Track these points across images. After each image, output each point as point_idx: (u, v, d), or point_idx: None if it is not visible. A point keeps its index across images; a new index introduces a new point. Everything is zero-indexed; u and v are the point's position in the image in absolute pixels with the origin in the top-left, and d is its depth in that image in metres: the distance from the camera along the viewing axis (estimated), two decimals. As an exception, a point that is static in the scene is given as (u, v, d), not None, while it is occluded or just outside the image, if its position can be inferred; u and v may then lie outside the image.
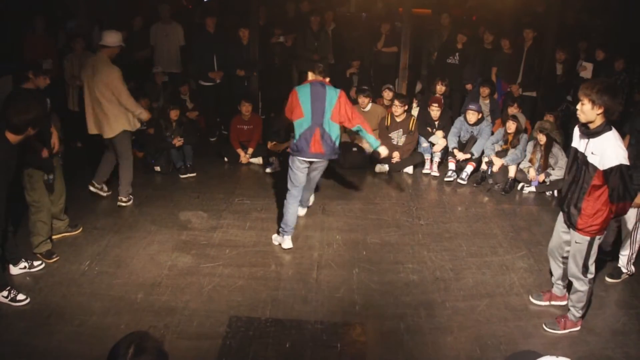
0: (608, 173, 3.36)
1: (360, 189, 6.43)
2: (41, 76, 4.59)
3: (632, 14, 8.11)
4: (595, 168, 3.42)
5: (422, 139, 7.10)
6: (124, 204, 5.69)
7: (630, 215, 4.42)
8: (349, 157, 6.96)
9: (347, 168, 6.92)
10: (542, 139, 6.20)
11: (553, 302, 4.17)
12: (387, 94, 7.48)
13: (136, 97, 7.18)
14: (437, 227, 5.45)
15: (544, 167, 6.29)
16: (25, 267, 4.44)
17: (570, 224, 3.69)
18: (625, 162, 3.34)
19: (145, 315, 3.96)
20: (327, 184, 6.52)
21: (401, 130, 6.95)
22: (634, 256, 4.57)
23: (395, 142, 6.97)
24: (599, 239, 3.64)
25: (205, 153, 7.21)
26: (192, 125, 7.26)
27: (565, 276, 4.03)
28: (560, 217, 3.87)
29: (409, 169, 6.95)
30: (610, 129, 3.40)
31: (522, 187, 6.48)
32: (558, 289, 4.16)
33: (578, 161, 3.58)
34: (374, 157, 7.04)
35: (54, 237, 4.86)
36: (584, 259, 3.66)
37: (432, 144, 7.02)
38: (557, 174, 6.23)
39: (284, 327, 3.86)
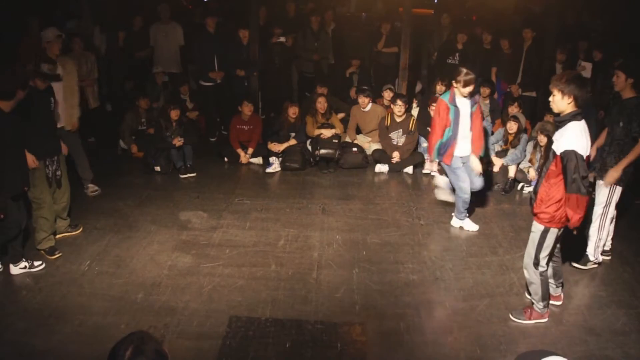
0: (563, 158, 3.46)
1: (360, 189, 6.43)
2: (37, 79, 4.62)
3: (632, 14, 8.12)
4: (554, 153, 3.54)
5: (422, 139, 7.10)
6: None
7: (599, 200, 4.53)
8: (349, 157, 6.96)
9: (347, 168, 6.92)
10: (542, 140, 6.20)
11: (551, 302, 4.14)
12: (388, 94, 7.49)
13: (136, 97, 7.24)
14: (437, 227, 5.45)
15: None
16: (25, 267, 4.45)
17: (531, 210, 3.79)
18: (580, 151, 3.42)
19: (145, 315, 3.96)
20: (327, 184, 6.53)
21: (401, 130, 6.95)
22: (601, 243, 4.59)
23: (395, 142, 6.98)
24: (555, 232, 3.67)
25: (205, 153, 7.21)
26: (192, 125, 7.26)
27: (557, 274, 4.06)
28: None
29: (409, 169, 6.95)
30: (579, 120, 3.52)
31: (522, 187, 6.48)
32: (552, 288, 4.14)
33: (548, 153, 3.70)
34: (374, 157, 7.06)
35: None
36: (536, 249, 3.74)
37: (432, 144, 7.01)
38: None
39: (284, 327, 3.86)
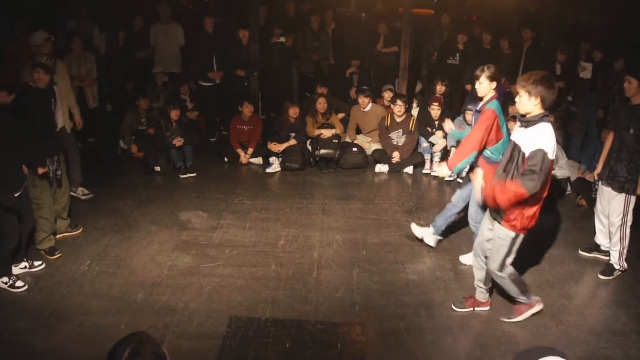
0: (530, 158, 3.32)
1: (360, 189, 6.43)
2: (33, 72, 4.49)
3: (632, 14, 8.12)
4: (523, 155, 3.40)
5: (422, 139, 7.10)
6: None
7: (615, 209, 4.46)
8: (349, 157, 6.96)
9: (347, 168, 6.92)
10: None
11: (477, 309, 4.09)
12: (388, 95, 7.49)
13: (136, 97, 7.24)
14: (437, 227, 5.45)
15: None
16: (25, 267, 4.45)
17: (498, 216, 3.64)
18: (549, 152, 3.28)
19: (145, 315, 3.96)
20: (327, 184, 6.53)
21: (401, 130, 6.95)
22: (624, 251, 4.56)
23: (395, 142, 6.98)
24: (521, 237, 3.62)
25: (205, 153, 7.20)
26: (192, 125, 7.26)
27: (488, 279, 3.99)
28: (487, 213, 3.83)
29: (409, 169, 6.95)
30: (547, 122, 3.40)
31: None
32: (481, 293, 4.07)
33: (513, 153, 3.52)
34: (374, 157, 7.06)
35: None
36: (504, 255, 3.65)
37: (432, 144, 7.02)
38: (557, 173, 6.23)
39: (284, 327, 3.86)
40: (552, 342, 3.76)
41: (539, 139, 3.33)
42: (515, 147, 3.48)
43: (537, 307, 3.95)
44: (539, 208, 3.54)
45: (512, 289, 3.85)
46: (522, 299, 3.90)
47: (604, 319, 4.09)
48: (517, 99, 3.48)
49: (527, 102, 3.39)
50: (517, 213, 3.50)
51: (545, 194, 3.49)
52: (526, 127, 3.45)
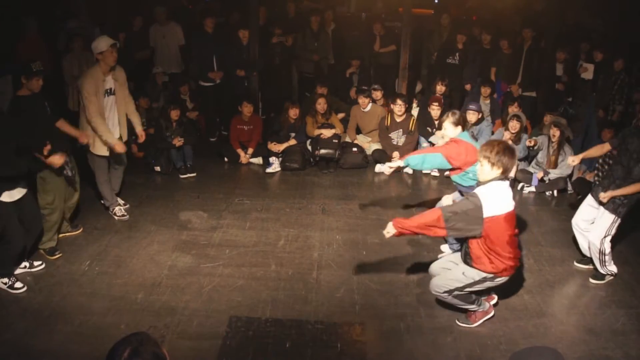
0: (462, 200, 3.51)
1: (360, 189, 6.43)
2: (33, 79, 4.35)
3: (632, 14, 8.12)
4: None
5: (422, 139, 7.10)
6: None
7: (600, 225, 4.37)
8: (349, 157, 6.96)
9: (347, 168, 6.92)
10: (555, 133, 6.19)
11: (483, 319, 4.02)
12: (376, 94, 7.44)
13: (136, 97, 7.22)
14: (437, 227, 5.44)
15: (554, 164, 6.28)
16: (25, 267, 4.45)
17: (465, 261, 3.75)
18: (485, 211, 3.42)
19: (145, 315, 3.97)
20: (327, 184, 6.53)
21: (401, 130, 6.95)
22: (606, 258, 4.43)
23: (395, 142, 6.97)
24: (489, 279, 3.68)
25: (205, 153, 7.21)
26: (192, 125, 7.26)
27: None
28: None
29: (409, 169, 6.95)
30: (502, 182, 3.50)
31: (522, 187, 6.48)
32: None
33: None
34: (374, 157, 7.06)
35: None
36: (464, 285, 3.71)
37: (432, 144, 7.02)
38: (557, 172, 6.24)
39: (284, 327, 3.86)
40: (552, 342, 3.76)
41: (492, 201, 3.43)
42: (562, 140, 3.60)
43: (491, 315, 3.97)
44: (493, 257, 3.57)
45: (459, 304, 3.86)
46: (473, 307, 3.90)
47: (604, 319, 4.09)
48: (477, 168, 3.57)
49: (490, 172, 3.49)
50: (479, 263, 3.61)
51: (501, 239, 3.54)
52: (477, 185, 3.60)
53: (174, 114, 6.62)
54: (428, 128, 7.12)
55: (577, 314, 4.17)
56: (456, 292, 3.75)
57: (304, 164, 6.92)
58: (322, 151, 6.89)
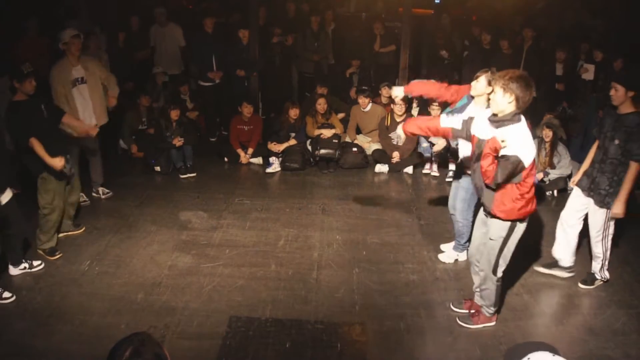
0: (500, 159, 3.29)
1: (360, 189, 6.43)
2: (26, 81, 4.29)
3: (632, 14, 8.12)
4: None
5: (422, 139, 7.09)
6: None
7: (595, 224, 4.27)
8: (349, 157, 6.96)
9: (347, 168, 6.92)
10: (548, 134, 6.18)
11: (484, 325, 3.97)
12: (386, 92, 7.45)
13: (136, 97, 7.23)
14: (437, 227, 5.44)
15: (549, 164, 6.28)
16: (25, 268, 4.45)
17: (486, 212, 3.60)
18: (523, 158, 3.26)
19: (145, 315, 3.97)
20: (327, 184, 6.53)
21: (401, 130, 6.94)
22: (606, 262, 4.40)
23: (395, 142, 6.97)
24: (517, 232, 3.56)
25: (205, 153, 7.21)
26: (192, 125, 7.26)
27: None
28: (480, 215, 3.76)
29: (409, 169, 6.95)
30: (519, 120, 3.33)
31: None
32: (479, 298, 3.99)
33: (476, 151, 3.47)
34: (374, 157, 7.06)
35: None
36: (496, 256, 3.60)
37: (432, 144, 7.01)
38: (556, 172, 6.23)
39: (284, 327, 3.86)
40: (552, 342, 3.73)
41: (515, 143, 3.27)
42: (480, 144, 3.42)
43: (492, 324, 3.91)
44: (528, 194, 3.45)
45: (491, 297, 3.79)
46: (490, 310, 3.86)
47: (604, 319, 4.09)
48: (491, 96, 3.39)
49: (501, 99, 3.29)
50: (505, 200, 3.45)
51: (531, 180, 3.43)
52: (497, 127, 3.35)
53: (174, 114, 6.63)
54: (428, 128, 7.11)
55: (577, 314, 4.17)
56: (500, 264, 3.62)
57: (304, 164, 6.92)
58: (322, 151, 6.89)
